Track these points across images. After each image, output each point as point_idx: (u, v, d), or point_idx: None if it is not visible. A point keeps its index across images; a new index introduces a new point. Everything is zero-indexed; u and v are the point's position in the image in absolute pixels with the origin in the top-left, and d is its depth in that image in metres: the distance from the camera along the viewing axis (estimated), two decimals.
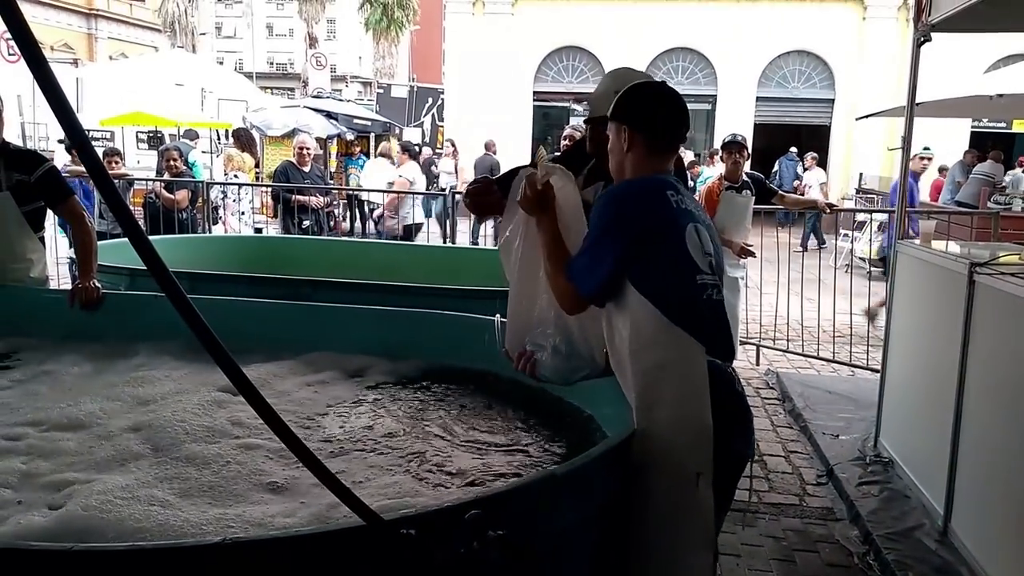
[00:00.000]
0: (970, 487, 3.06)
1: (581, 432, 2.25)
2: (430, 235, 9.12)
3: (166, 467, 1.92)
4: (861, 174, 16.06)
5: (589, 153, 2.65)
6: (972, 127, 15.92)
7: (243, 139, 10.98)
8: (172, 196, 7.24)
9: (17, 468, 1.89)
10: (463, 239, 7.62)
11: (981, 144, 13.56)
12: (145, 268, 0.95)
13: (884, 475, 3.81)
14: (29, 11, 26.84)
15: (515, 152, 16.25)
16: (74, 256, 3.53)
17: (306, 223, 7.27)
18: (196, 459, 1.95)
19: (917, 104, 4.15)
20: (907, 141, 4.09)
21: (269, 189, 9.20)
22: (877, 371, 4.28)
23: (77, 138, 0.92)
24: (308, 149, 7.60)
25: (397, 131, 16.83)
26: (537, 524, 1.50)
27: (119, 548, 1.23)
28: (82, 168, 7.69)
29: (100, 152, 8.50)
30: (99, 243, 3.38)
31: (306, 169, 7.49)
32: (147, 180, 7.75)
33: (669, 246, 1.85)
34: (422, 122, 19.57)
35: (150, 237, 4.72)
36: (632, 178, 1.97)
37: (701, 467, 1.75)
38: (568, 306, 1.94)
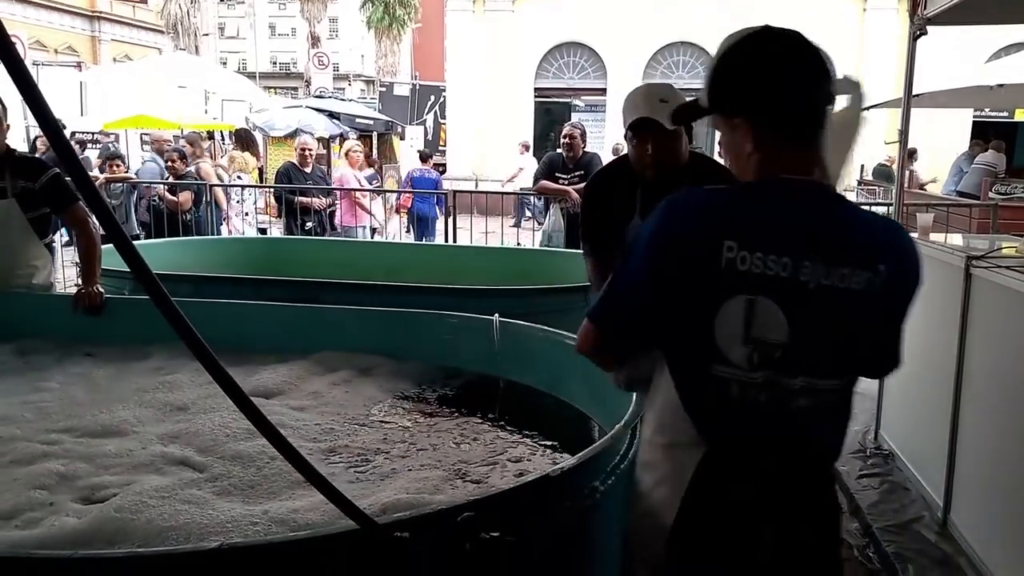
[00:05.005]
0: (969, 479, 3.07)
1: (580, 434, 2.27)
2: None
3: (207, 468, 1.95)
4: (863, 166, 16.01)
5: (637, 171, 2.34)
6: (974, 117, 15.84)
7: (244, 139, 11.02)
8: (175, 198, 7.28)
9: (55, 471, 1.92)
10: (464, 238, 7.64)
11: (983, 134, 13.50)
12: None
13: (884, 467, 3.82)
14: (32, 14, 26.93)
15: (519, 148, 16.28)
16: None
17: (309, 224, 7.31)
18: (240, 459, 1.99)
19: (917, 95, 4.16)
20: (904, 134, 4.09)
21: (272, 189, 9.23)
22: None
23: (56, 141, 0.92)
24: (309, 150, 7.63)
25: (400, 129, 16.86)
26: (531, 526, 1.52)
27: (118, 555, 1.26)
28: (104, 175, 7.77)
29: (101, 155, 8.58)
30: (103, 247, 3.41)
31: (307, 170, 7.53)
32: (150, 183, 7.80)
33: (693, 310, 1.31)
34: (424, 120, 19.59)
35: (155, 240, 4.78)
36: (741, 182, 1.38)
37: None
38: (580, 340, 1.47)
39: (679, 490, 1.35)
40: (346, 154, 9.32)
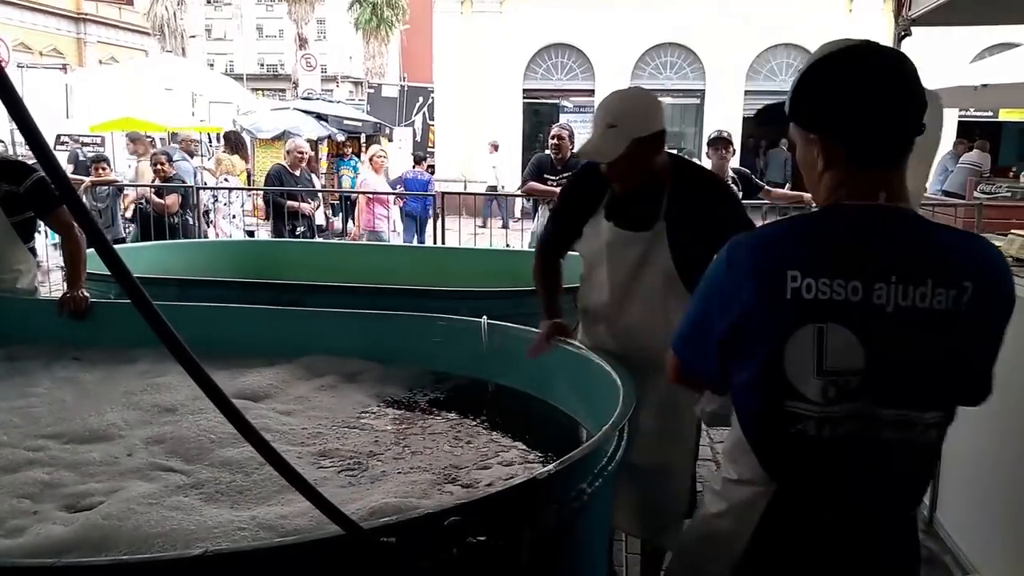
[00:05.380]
0: (954, 478, 3.09)
1: (568, 437, 2.27)
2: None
3: (195, 474, 1.94)
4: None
5: (607, 177, 2.27)
6: (959, 117, 15.97)
7: (232, 142, 10.98)
8: (162, 201, 7.24)
9: (40, 479, 1.90)
10: (452, 239, 7.64)
11: (968, 134, 13.62)
12: (141, 275, 0.96)
13: None
14: (16, 16, 26.71)
15: (506, 149, 16.29)
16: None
17: (300, 229, 7.31)
18: (228, 464, 1.97)
19: None
20: None
21: (260, 192, 9.22)
22: None
23: (35, 145, 0.91)
24: (301, 153, 7.64)
25: (388, 131, 16.84)
26: (518, 530, 1.51)
27: (101, 563, 1.25)
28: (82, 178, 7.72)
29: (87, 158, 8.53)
30: (88, 251, 3.39)
31: (297, 173, 7.52)
32: (136, 185, 7.76)
33: (760, 345, 1.26)
34: (413, 121, 19.56)
35: (143, 244, 4.74)
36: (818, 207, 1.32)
37: None
38: (667, 368, 1.46)
39: (747, 524, 1.34)
40: (371, 159, 9.41)
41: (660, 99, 2.31)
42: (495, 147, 15.81)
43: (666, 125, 2.23)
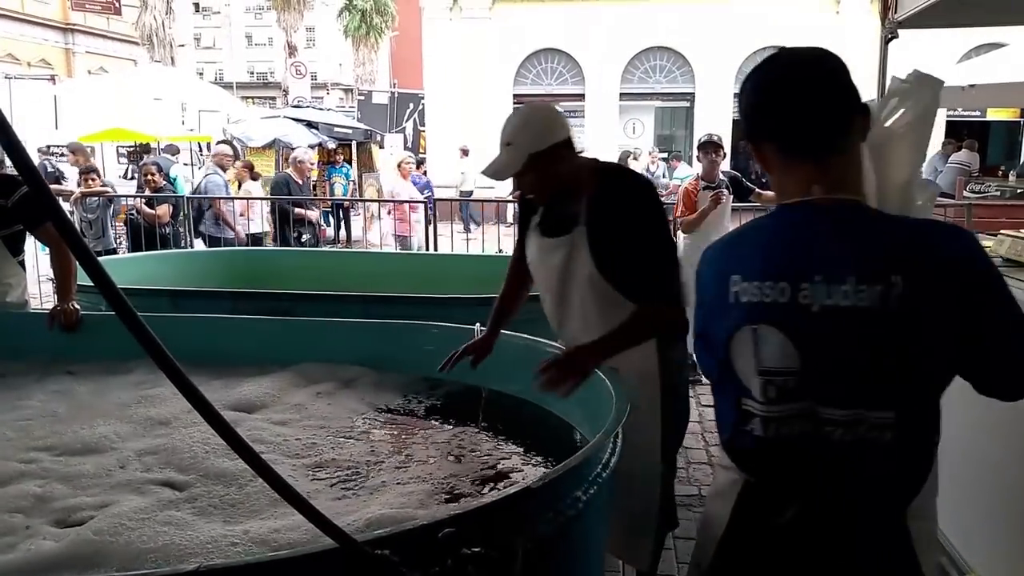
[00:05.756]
0: (947, 478, 3.09)
1: (563, 443, 2.26)
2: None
3: (187, 488, 1.93)
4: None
5: (520, 191, 2.37)
6: (947, 117, 16.07)
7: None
8: (153, 211, 7.22)
9: (32, 492, 1.89)
10: (444, 246, 7.64)
11: (957, 134, 13.70)
12: (129, 287, 0.95)
13: None
14: (4, 27, 26.60)
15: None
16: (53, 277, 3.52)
17: (305, 236, 7.39)
18: (222, 477, 1.96)
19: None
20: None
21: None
22: None
23: (16, 158, 0.90)
24: (305, 163, 7.77)
25: (379, 138, 16.82)
26: (513, 539, 1.51)
27: None
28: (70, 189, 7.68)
29: (77, 171, 8.49)
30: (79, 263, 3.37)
31: (301, 182, 7.63)
32: (126, 196, 7.74)
33: (719, 345, 1.32)
34: (404, 128, 19.56)
35: (133, 254, 4.73)
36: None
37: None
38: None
39: (727, 508, 1.37)
40: (398, 165, 9.43)
41: (558, 110, 2.28)
42: (465, 152, 15.86)
43: (571, 133, 2.21)
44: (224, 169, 8.50)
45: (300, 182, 7.65)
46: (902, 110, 1.37)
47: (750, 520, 1.34)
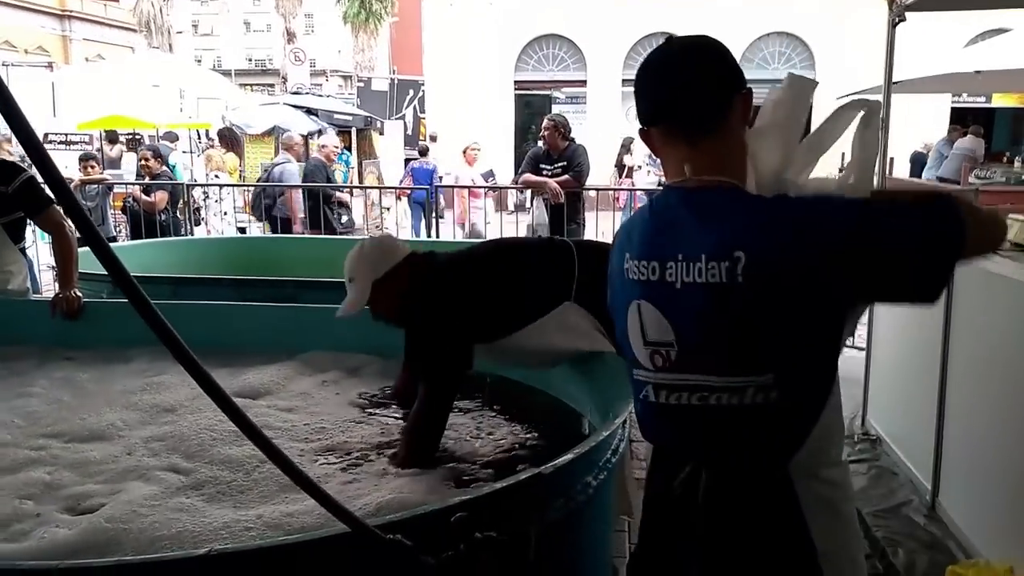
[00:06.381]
0: (956, 462, 3.09)
1: (568, 428, 2.26)
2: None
3: (195, 473, 1.92)
4: (843, 154, 16.09)
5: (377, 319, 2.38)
6: (952, 103, 16.00)
7: (228, 139, 10.94)
8: (151, 199, 7.19)
9: (41, 480, 1.88)
10: (446, 231, 7.63)
11: (961, 120, 13.65)
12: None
13: (872, 453, 3.84)
14: (1, 15, 26.45)
15: (499, 142, 16.24)
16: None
17: (345, 218, 7.44)
18: (228, 463, 1.96)
19: (896, 83, 4.17)
20: (884, 121, 4.10)
21: (251, 189, 9.21)
22: (862, 349, 4.32)
23: (28, 143, 0.88)
24: (330, 148, 7.92)
25: (379, 124, 16.75)
26: (525, 524, 1.50)
27: (105, 564, 1.23)
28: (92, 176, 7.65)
29: (76, 157, 8.45)
30: (80, 250, 3.35)
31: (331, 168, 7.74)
32: (125, 184, 7.70)
33: (618, 318, 1.42)
34: (404, 115, 19.48)
35: (132, 242, 4.71)
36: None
37: None
38: None
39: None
40: (464, 152, 9.41)
41: (391, 237, 2.39)
42: (433, 139, 15.84)
43: (406, 251, 2.26)
44: (299, 158, 8.54)
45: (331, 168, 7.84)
46: (772, 110, 1.43)
47: (657, 485, 1.43)
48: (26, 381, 2.62)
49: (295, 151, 8.54)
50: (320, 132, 14.02)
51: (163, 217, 7.25)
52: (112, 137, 10.65)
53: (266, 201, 8.15)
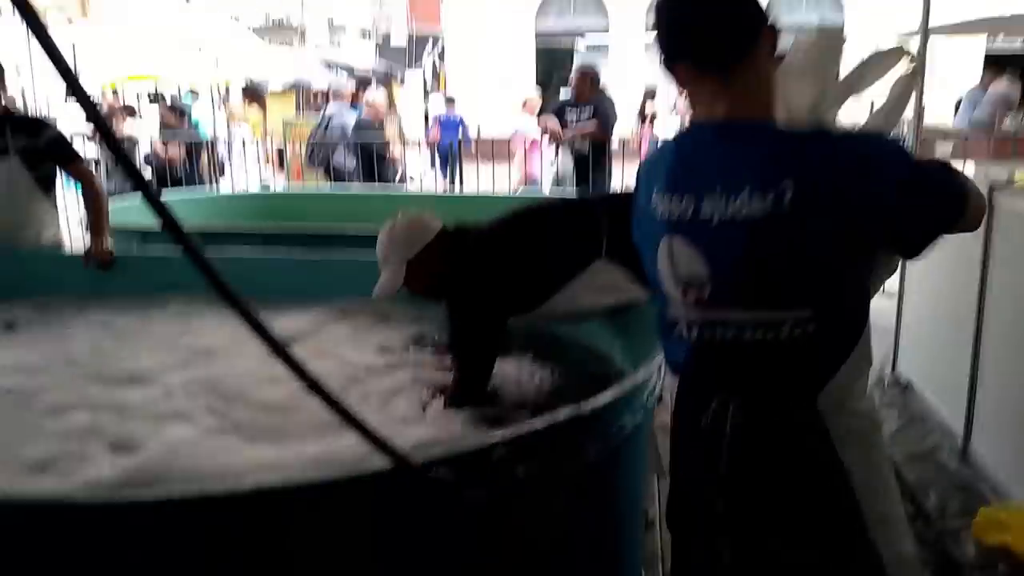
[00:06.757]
0: (989, 407, 3.06)
1: (599, 373, 2.25)
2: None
3: (234, 415, 1.95)
4: (872, 103, 15.71)
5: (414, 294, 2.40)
6: (987, 50, 15.49)
7: (252, 93, 10.92)
8: (171, 154, 7.21)
9: (83, 423, 1.91)
10: (470, 184, 7.60)
11: (996, 66, 13.21)
12: (156, 229, 0.93)
13: (902, 399, 3.82)
14: None
15: (520, 93, 15.99)
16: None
17: (397, 175, 7.47)
18: (266, 406, 1.98)
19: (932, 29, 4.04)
20: (921, 64, 3.98)
21: (273, 143, 9.19)
22: (893, 296, 4.26)
23: (80, 98, 0.88)
24: (376, 105, 7.94)
25: (399, 76, 16.60)
26: (563, 464, 1.50)
27: (147, 500, 1.25)
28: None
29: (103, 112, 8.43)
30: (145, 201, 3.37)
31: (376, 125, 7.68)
32: (151, 139, 7.71)
33: (648, 254, 1.42)
34: (424, 67, 19.27)
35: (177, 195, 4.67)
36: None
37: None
38: None
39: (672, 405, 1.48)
40: (523, 104, 8.99)
41: (419, 215, 2.30)
42: (451, 102, 15.52)
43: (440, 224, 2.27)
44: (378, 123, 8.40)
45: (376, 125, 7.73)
46: (804, 52, 1.46)
47: (684, 421, 1.43)
48: (65, 328, 2.66)
49: (346, 99, 8.39)
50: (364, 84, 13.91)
51: (178, 172, 7.26)
52: (130, 111, 10.53)
53: (325, 152, 7.89)
